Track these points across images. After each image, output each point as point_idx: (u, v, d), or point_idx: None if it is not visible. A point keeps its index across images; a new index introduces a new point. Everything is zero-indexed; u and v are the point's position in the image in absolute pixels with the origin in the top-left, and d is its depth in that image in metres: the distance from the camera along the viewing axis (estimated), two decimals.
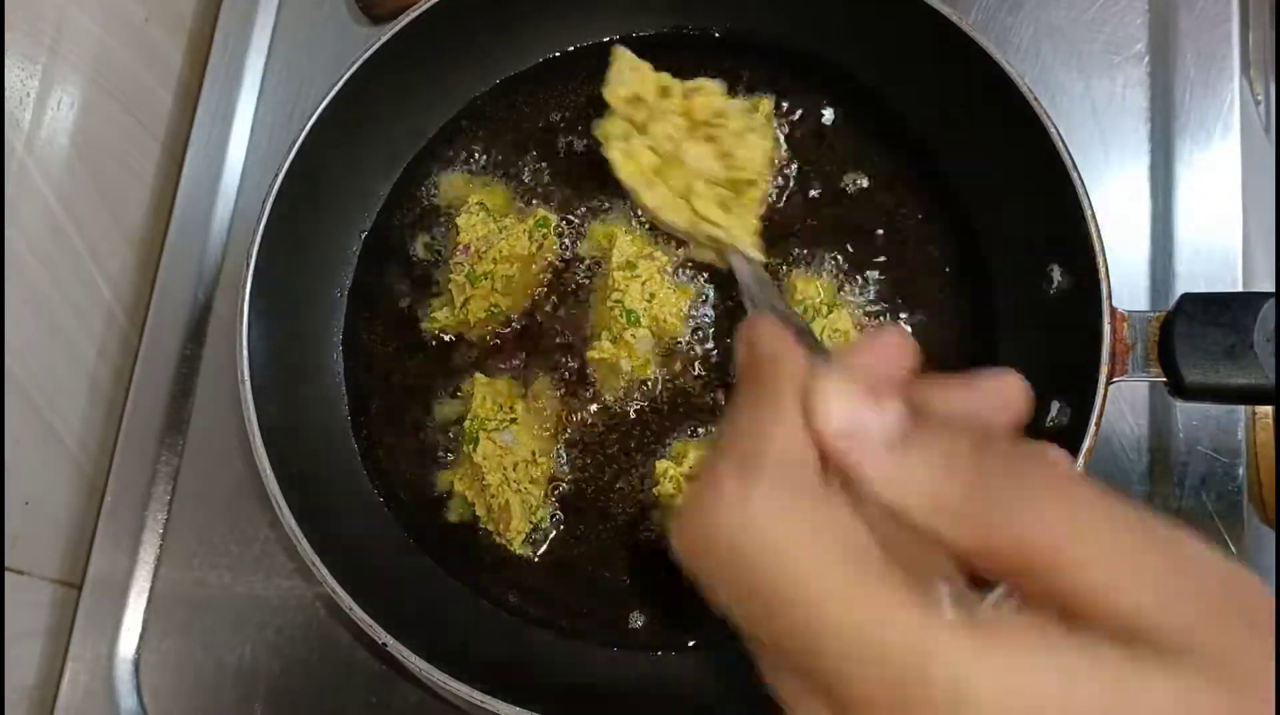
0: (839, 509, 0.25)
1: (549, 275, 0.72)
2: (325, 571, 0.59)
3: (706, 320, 0.70)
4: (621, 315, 0.66)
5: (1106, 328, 0.57)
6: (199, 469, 0.74)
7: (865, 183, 0.71)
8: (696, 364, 0.69)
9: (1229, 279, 0.69)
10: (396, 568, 0.67)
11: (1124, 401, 0.68)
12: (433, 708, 0.67)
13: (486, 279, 0.69)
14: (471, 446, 0.66)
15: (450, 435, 0.70)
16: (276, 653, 0.69)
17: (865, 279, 0.69)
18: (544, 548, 0.68)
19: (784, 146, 0.72)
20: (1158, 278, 0.70)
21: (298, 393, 0.69)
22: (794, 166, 0.72)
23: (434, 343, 0.72)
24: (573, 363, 0.70)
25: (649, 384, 0.69)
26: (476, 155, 0.75)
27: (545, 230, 0.71)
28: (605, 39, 0.75)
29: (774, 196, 0.71)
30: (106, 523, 0.73)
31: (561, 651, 0.66)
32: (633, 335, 0.66)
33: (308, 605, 0.70)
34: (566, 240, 0.72)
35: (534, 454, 0.67)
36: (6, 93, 0.67)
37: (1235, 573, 0.24)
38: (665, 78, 0.60)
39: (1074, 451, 0.55)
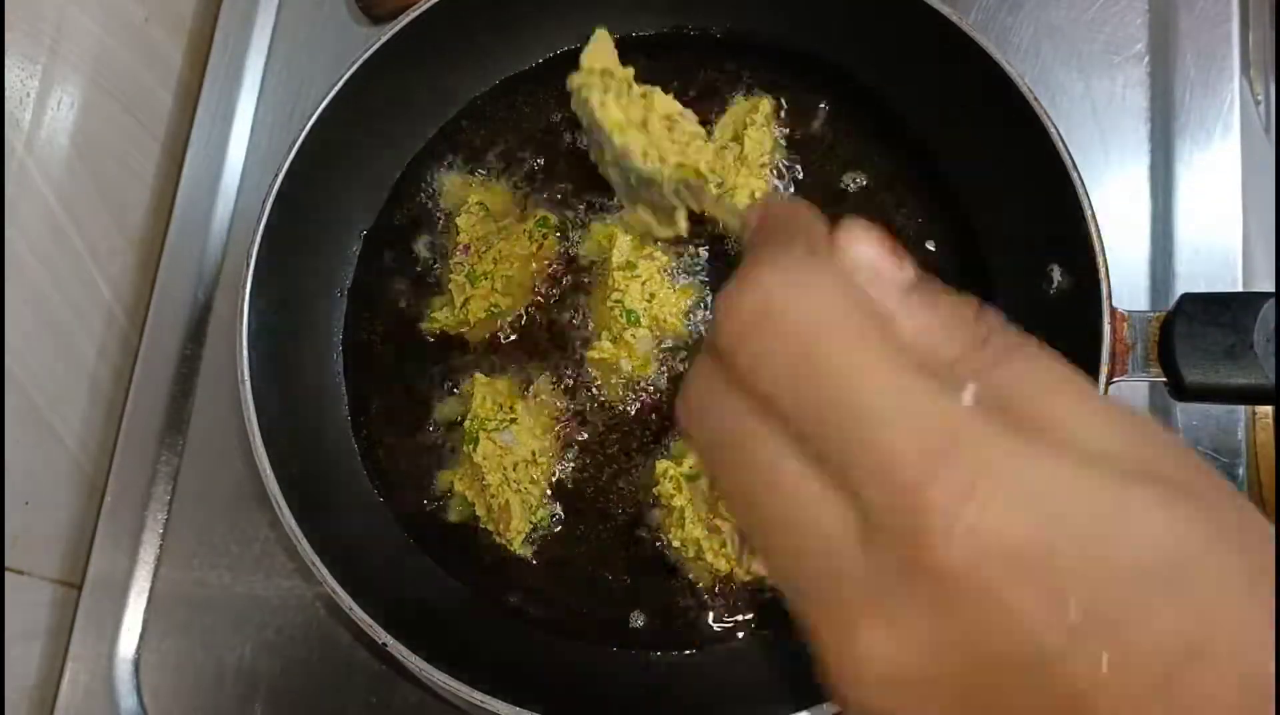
0: (876, 304, 0.27)
1: (549, 275, 0.72)
2: (325, 571, 0.59)
3: (706, 320, 0.70)
4: (621, 315, 0.66)
5: (1106, 328, 0.57)
6: (199, 469, 0.74)
7: (865, 183, 0.71)
8: None
9: (1229, 279, 0.69)
10: (396, 568, 0.67)
11: (1124, 401, 0.68)
12: (433, 708, 0.67)
13: (486, 279, 0.69)
14: (471, 446, 0.66)
15: (450, 435, 0.70)
16: (276, 653, 0.69)
17: None
18: (544, 548, 0.68)
19: (784, 146, 0.72)
20: (1158, 278, 0.70)
21: (298, 393, 0.69)
22: (794, 166, 0.72)
23: (434, 343, 0.72)
24: (573, 363, 0.70)
25: (649, 384, 0.69)
26: (476, 155, 0.75)
27: (545, 230, 0.71)
28: None
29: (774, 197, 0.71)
30: (106, 523, 0.73)
31: (561, 651, 0.65)
32: (633, 335, 0.66)
33: (308, 605, 0.70)
34: (566, 240, 0.72)
35: (534, 454, 0.67)
36: (6, 93, 0.67)
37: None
38: (630, 73, 0.60)
39: None
